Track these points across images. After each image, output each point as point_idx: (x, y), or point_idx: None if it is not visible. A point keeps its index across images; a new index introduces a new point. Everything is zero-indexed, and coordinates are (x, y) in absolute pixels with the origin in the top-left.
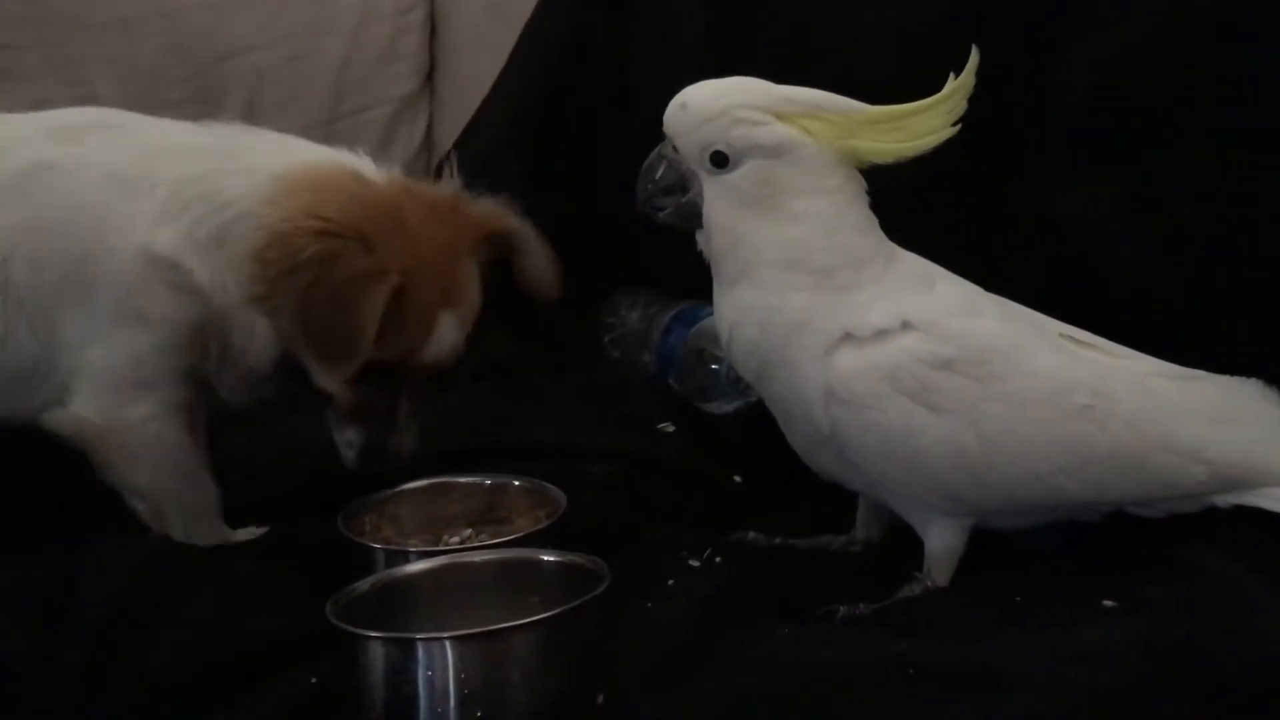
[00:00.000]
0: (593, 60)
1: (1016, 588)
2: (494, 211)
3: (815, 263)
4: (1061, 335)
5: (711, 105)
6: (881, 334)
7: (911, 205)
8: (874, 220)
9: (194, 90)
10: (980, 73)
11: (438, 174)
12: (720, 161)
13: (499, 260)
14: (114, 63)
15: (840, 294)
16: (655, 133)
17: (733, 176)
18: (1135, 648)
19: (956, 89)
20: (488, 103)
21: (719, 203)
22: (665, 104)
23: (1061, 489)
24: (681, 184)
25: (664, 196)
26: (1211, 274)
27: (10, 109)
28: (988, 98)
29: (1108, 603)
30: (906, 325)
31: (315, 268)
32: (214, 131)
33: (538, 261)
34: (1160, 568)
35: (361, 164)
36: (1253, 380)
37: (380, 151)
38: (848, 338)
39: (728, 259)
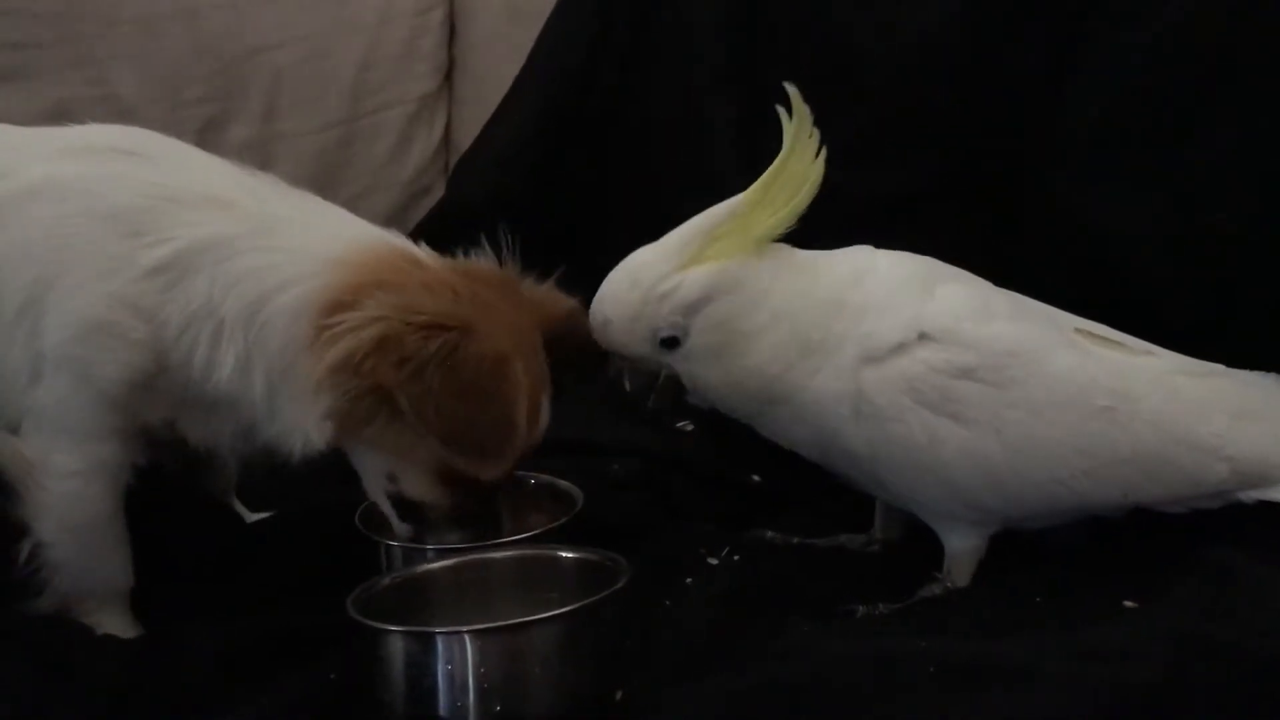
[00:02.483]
0: (612, 61)
1: (1037, 588)
2: (551, 294)
3: (813, 341)
4: (1077, 330)
5: (628, 304)
6: (899, 348)
7: (931, 206)
8: (818, 256)
9: (214, 89)
10: (1003, 73)
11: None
12: (672, 342)
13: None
14: (135, 61)
15: (846, 339)
16: (674, 134)
17: (691, 344)
18: (1158, 646)
19: (796, 129)
20: (506, 103)
21: (697, 371)
22: (685, 105)
23: (1085, 492)
24: (652, 378)
25: (650, 395)
26: (1238, 272)
27: (31, 107)
28: (1011, 98)
29: (1129, 603)
30: (924, 336)
31: (441, 363)
32: (249, 186)
33: (582, 332)
34: (1181, 568)
35: (404, 242)
36: (1272, 375)
37: (399, 151)
38: (867, 360)
39: (740, 401)
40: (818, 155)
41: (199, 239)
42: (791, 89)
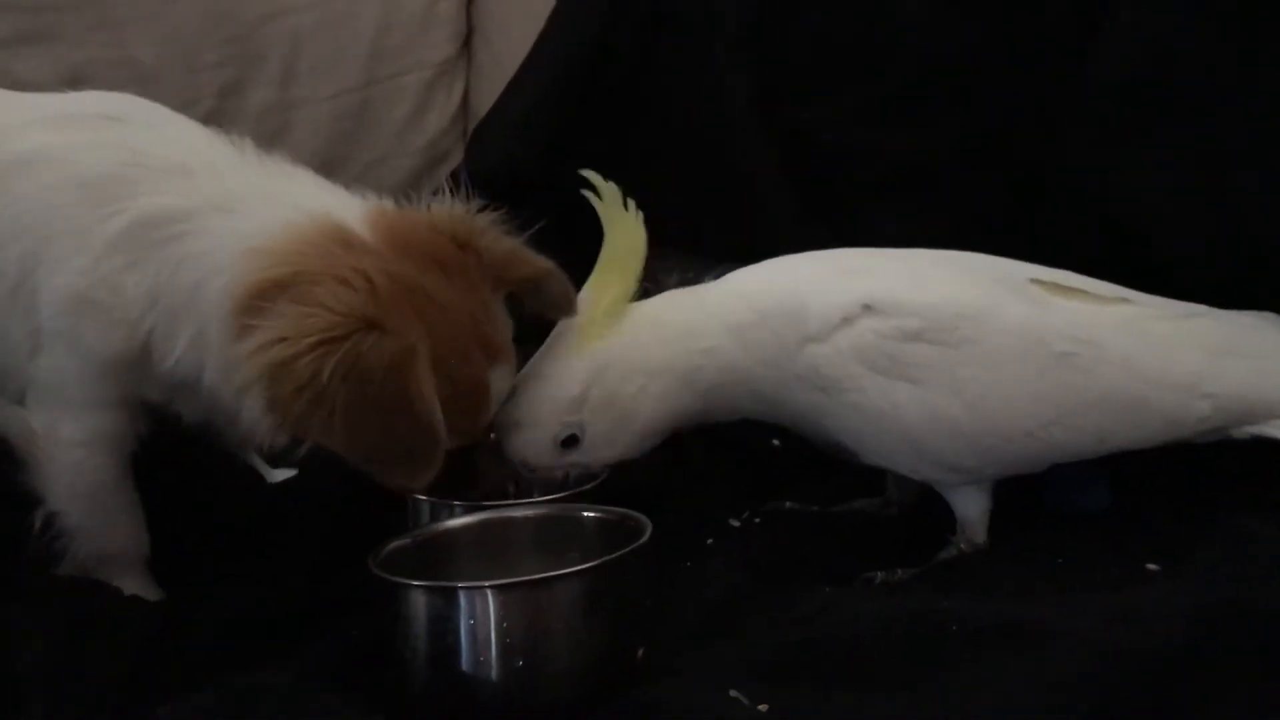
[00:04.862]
0: (630, 29)
1: (1058, 551)
2: (517, 253)
3: (698, 375)
4: (1034, 281)
5: (524, 427)
6: (845, 321)
7: (954, 171)
8: (695, 292)
9: (231, 53)
10: (1028, 36)
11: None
12: (571, 441)
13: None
14: (152, 24)
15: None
16: (692, 103)
17: (589, 435)
18: (1181, 609)
19: (608, 209)
20: (523, 70)
21: (603, 455)
22: (703, 74)
23: (1058, 441)
24: (560, 483)
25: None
26: (1264, 238)
27: (50, 71)
28: (1036, 62)
29: (1151, 566)
30: (868, 308)
31: (342, 383)
32: (215, 157)
33: (556, 293)
34: (1204, 531)
35: (349, 212)
36: (1257, 313)
37: (417, 116)
38: (811, 339)
39: (654, 440)
40: (639, 227)
41: (148, 211)
42: (592, 174)
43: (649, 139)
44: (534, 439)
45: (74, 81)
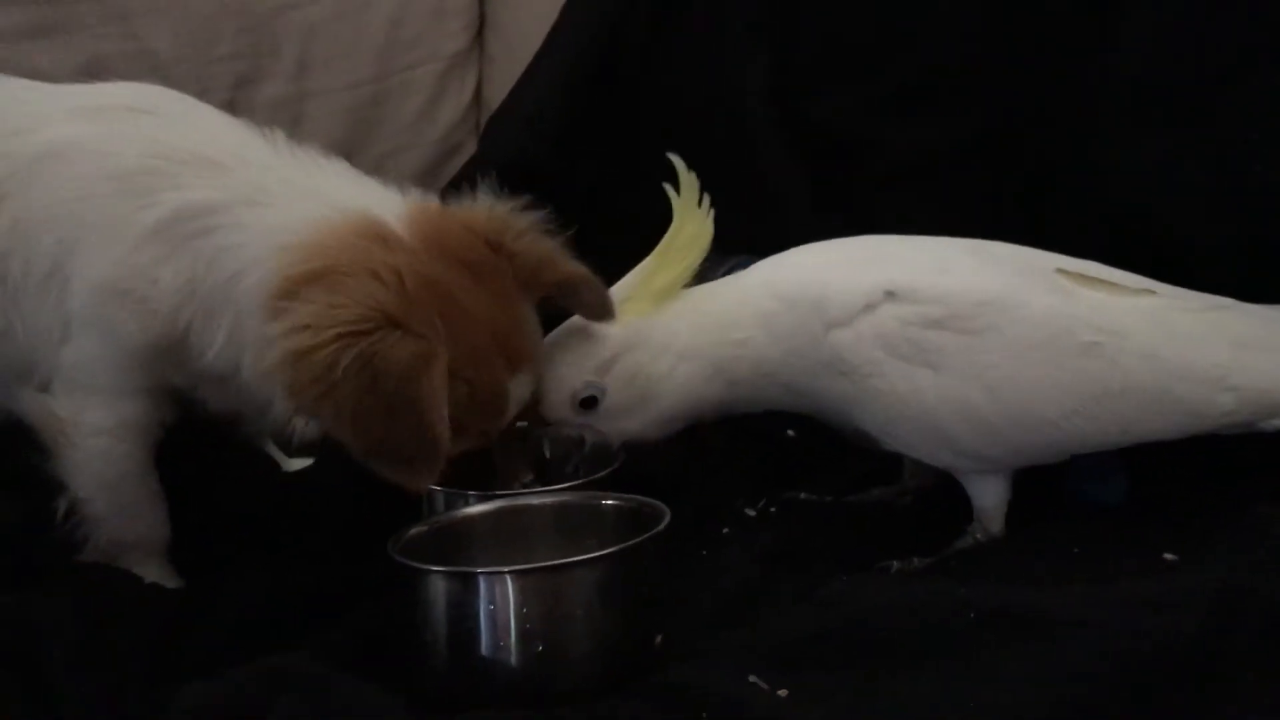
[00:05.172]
0: (643, 19)
1: (1075, 540)
2: (551, 256)
3: (729, 366)
4: (1060, 271)
5: (549, 374)
6: (868, 307)
7: (968, 161)
8: (733, 283)
9: (245, 45)
10: (1043, 26)
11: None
12: (590, 402)
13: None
14: (167, 16)
15: (787, 342)
16: (705, 95)
17: (608, 401)
18: (1199, 597)
19: (684, 202)
20: (536, 62)
21: (620, 425)
22: (717, 65)
23: (1080, 431)
24: (573, 444)
25: (571, 463)
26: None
27: (66, 62)
28: (1051, 52)
29: (1169, 556)
30: (890, 294)
31: (354, 379)
32: (248, 150)
33: (590, 299)
34: (1222, 522)
35: (388, 208)
36: None
37: (430, 108)
38: (835, 325)
39: (671, 427)
40: (708, 225)
41: (184, 204)
42: (676, 159)
43: (662, 131)
44: (554, 389)
45: (90, 73)
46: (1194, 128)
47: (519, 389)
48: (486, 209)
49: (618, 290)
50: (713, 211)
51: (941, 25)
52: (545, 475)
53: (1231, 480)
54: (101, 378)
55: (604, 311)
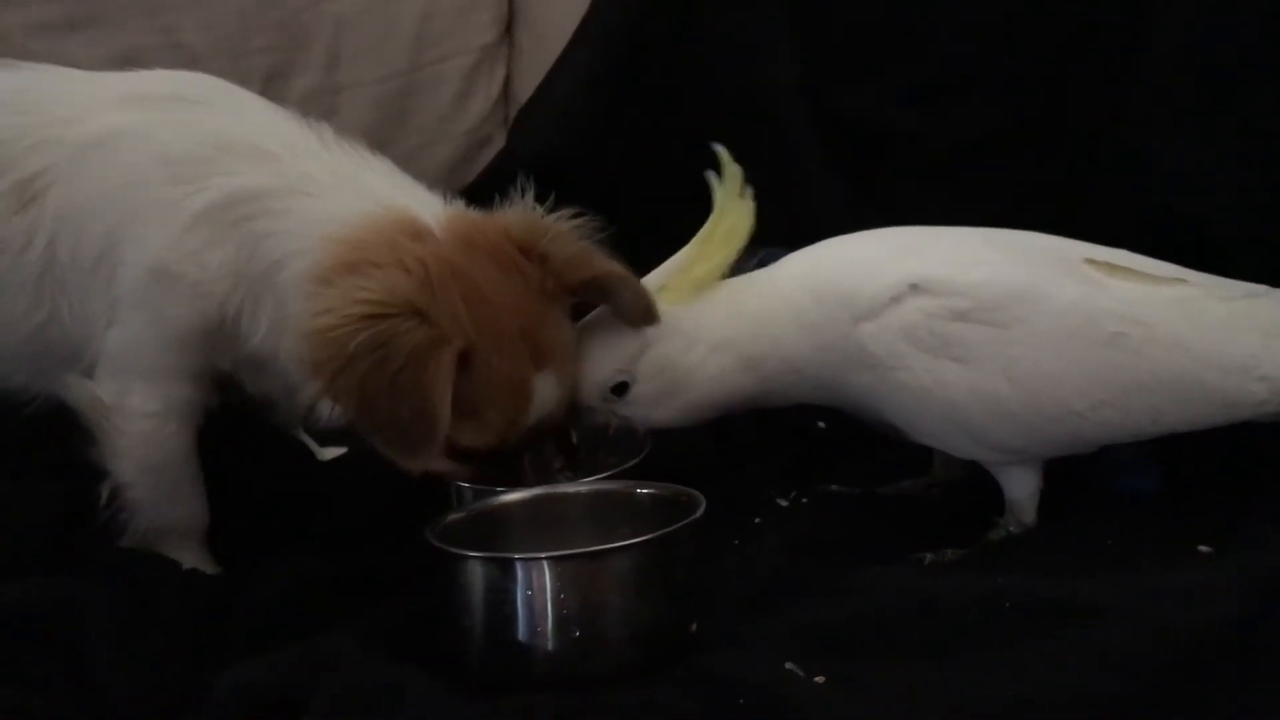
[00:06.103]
0: (673, 13)
1: (1109, 532)
2: (585, 257)
3: (761, 361)
4: (1089, 261)
5: (581, 358)
6: (893, 301)
7: (1003, 151)
8: (767, 277)
9: (277, 38)
10: (1079, 15)
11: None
12: (621, 389)
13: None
14: (199, 9)
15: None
16: (735, 89)
17: (638, 389)
18: (1234, 588)
19: (726, 192)
20: (565, 55)
21: (648, 414)
22: (746, 59)
23: (1109, 422)
24: (600, 431)
25: (598, 448)
26: None
27: (99, 55)
28: (1087, 41)
29: (1203, 548)
30: (915, 287)
31: (367, 357)
32: (295, 140)
33: (629, 300)
34: (1256, 513)
35: (427, 208)
36: None
37: (460, 101)
38: (862, 318)
39: (701, 418)
40: (749, 217)
41: (235, 189)
42: (721, 150)
43: (691, 123)
44: (585, 375)
45: (123, 65)
46: (1229, 118)
47: (544, 387)
48: (520, 213)
49: (653, 278)
50: (753, 205)
51: (973, 17)
52: (573, 462)
53: (1264, 470)
54: (147, 361)
55: (647, 316)
